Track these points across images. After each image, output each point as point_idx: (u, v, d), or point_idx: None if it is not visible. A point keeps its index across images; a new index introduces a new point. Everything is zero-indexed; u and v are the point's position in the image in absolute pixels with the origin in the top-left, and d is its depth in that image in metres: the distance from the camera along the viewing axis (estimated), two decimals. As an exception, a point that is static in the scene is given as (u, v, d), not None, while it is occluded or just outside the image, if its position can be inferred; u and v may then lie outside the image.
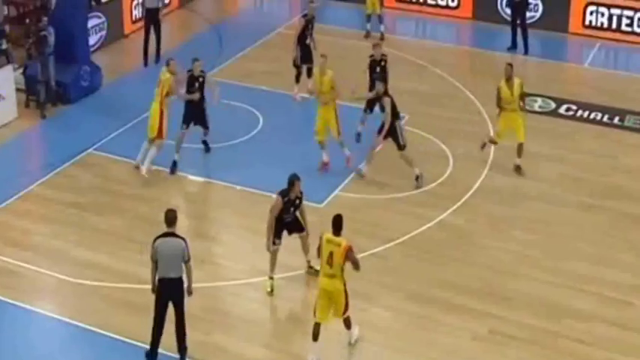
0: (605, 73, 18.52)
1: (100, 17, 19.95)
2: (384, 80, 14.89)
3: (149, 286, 10.66)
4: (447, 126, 16.35)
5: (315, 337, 10.64)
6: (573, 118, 16.92)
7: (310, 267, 12.26)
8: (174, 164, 14.79)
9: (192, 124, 14.85)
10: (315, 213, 13.56)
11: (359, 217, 13.68)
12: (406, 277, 12.37)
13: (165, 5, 19.49)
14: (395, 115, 14.33)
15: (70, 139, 15.82)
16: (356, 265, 10.65)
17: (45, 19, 16.97)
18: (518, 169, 14.83)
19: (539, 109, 16.54)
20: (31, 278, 12.31)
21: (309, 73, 17.16)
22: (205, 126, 15.04)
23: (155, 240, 10.29)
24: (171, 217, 10.28)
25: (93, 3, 20.08)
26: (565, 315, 11.64)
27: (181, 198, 14.42)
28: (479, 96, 17.60)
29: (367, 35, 20.25)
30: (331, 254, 10.43)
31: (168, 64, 14.65)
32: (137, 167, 14.73)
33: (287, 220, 11.94)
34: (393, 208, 13.98)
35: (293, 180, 11.69)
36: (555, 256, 12.82)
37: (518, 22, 19.86)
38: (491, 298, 11.93)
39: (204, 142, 15.33)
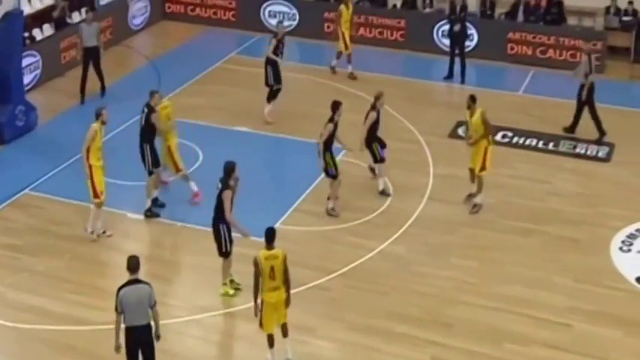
0: (539, 100, 18.93)
1: (34, 56, 19.78)
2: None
3: (89, 328, 10.49)
4: (388, 156, 16.48)
5: (272, 344, 10.99)
6: (509, 144, 17.25)
7: None
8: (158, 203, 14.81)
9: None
10: (257, 247, 13.51)
11: (300, 249, 13.69)
12: (348, 308, 12.41)
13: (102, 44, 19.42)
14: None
15: (4, 180, 15.58)
16: (287, 276, 10.92)
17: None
18: (473, 207, 14.82)
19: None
20: (-35, 324, 12.05)
21: (275, 95, 17.92)
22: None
23: (119, 290, 10.05)
24: (134, 264, 10.09)
25: (27, 41, 19.93)
26: (506, 339, 11.78)
27: (121, 237, 14.25)
28: (417, 125, 17.84)
29: (334, 71, 20.62)
30: (272, 268, 10.67)
31: (98, 115, 13.89)
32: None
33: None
34: (334, 239, 14.05)
35: (233, 165, 12.31)
36: (493, 281, 13.00)
37: (456, 51, 20.24)
38: (433, 326, 12.03)
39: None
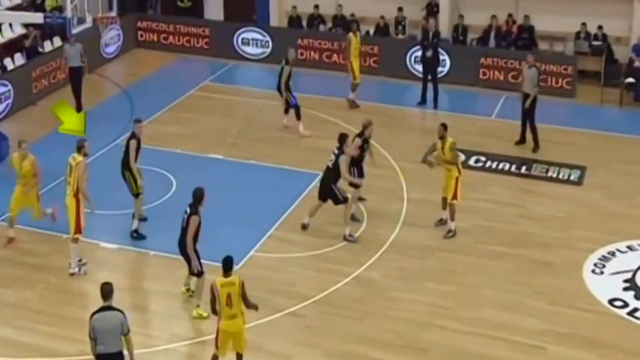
0: (511, 124, 19.10)
1: (6, 85, 19.69)
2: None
3: (60, 359, 10.34)
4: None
5: None
6: (482, 168, 17.36)
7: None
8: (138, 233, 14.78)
9: None
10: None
11: (275, 276, 13.69)
12: (323, 335, 12.37)
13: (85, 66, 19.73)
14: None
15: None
16: (247, 301, 10.86)
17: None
18: (448, 232, 14.89)
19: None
20: None
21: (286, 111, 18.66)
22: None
23: (92, 316, 9.99)
24: (107, 291, 10.04)
25: None
26: (480, 364, 11.80)
27: (95, 266, 14.10)
28: (391, 151, 17.92)
29: (349, 100, 20.40)
30: (229, 296, 10.61)
31: (80, 147, 13.65)
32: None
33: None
34: (309, 265, 14.03)
35: (202, 192, 12.36)
36: (468, 305, 13.02)
37: (429, 77, 20.40)
38: (409, 351, 12.02)
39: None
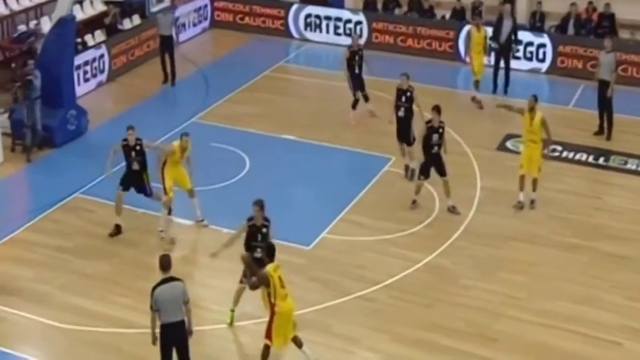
0: (589, 114, 18.70)
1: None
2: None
3: (135, 331, 10.57)
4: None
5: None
6: (559, 159, 17.05)
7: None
8: (118, 228, 14.33)
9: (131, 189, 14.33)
10: (302, 255, 13.60)
11: (345, 259, 13.72)
12: (392, 320, 12.36)
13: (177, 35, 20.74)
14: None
15: (55, 184, 15.81)
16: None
17: (31, 62, 17.07)
18: (532, 202, 15.07)
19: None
20: (15, 323, 12.23)
21: (366, 99, 18.17)
22: (146, 193, 14.36)
23: (154, 289, 10.23)
24: (166, 262, 10.30)
25: (80, 47, 20.25)
26: (552, 356, 11.64)
27: (167, 242, 14.35)
28: (464, 137, 17.75)
29: (474, 99, 19.54)
30: (280, 277, 10.78)
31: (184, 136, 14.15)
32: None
33: (255, 255, 11.64)
34: (380, 250, 14.01)
35: (254, 205, 11.72)
36: (541, 296, 12.85)
37: (501, 64, 20.11)
38: (478, 340, 11.93)
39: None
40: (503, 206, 15.21)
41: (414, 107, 16.03)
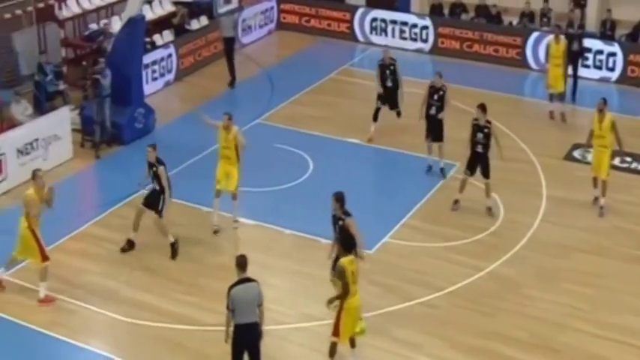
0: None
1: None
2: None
3: (198, 329, 10.68)
4: (499, 175, 16.24)
5: (333, 355, 10.99)
6: (627, 170, 16.74)
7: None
8: (131, 244, 13.94)
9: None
10: (365, 259, 13.56)
11: (407, 264, 13.68)
12: (453, 327, 12.28)
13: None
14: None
15: (123, 180, 16.07)
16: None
17: (101, 60, 17.40)
18: (600, 209, 15.06)
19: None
20: (83, 316, 12.49)
21: (398, 114, 17.81)
22: (159, 214, 13.81)
23: (230, 288, 10.28)
24: (242, 262, 10.35)
25: (148, 46, 20.57)
26: (617, 371, 11.45)
27: (231, 240, 14.51)
28: (530, 145, 17.54)
29: (552, 116, 18.95)
30: (353, 273, 10.75)
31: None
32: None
33: (336, 237, 11.79)
34: (443, 256, 13.93)
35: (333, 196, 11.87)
36: (606, 309, 12.62)
37: (570, 71, 19.83)
38: (540, 351, 11.77)
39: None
40: (569, 216, 15.01)
41: (445, 107, 16.13)
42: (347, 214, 11.90)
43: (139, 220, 13.84)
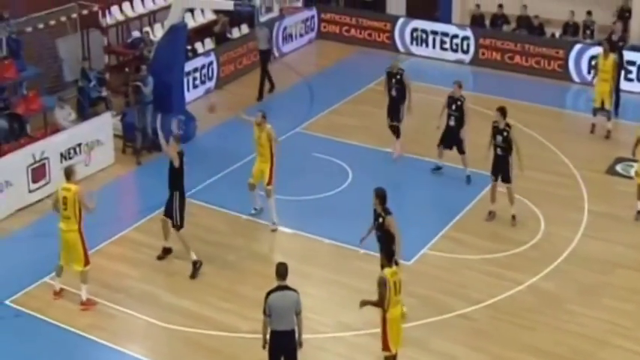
0: None
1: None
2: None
3: (235, 335, 10.68)
4: (540, 188, 16.15)
5: None
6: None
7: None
8: (167, 250, 13.97)
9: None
10: (403, 270, 13.46)
11: (447, 276, 13.59)
12: (493, 340, 12.16)
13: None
14: None
15: (163, 186, 16.00)
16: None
17: (143, 67, 17.56)
18: (637, 213, 15.16)
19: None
20: (122, 320, 12.58)
21: (395, 132, 17.36)
22: (173, 224, 13.62)
23: (268, 295, 10.27)
24: (283, 270, 10.32)
25: (190, 54, 20.73)
26: (659, 389, 11.24)
27: (270, 249, 14.54)
28: (572, 158, 17.36)
29: (592, 130, 18.54)
30: (395, 284, 10.70)
31: (70, 173, 12.59)
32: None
33: (377, 234, 12.19)
34: (482, 269, 13.81)
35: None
36: (650, 327, 12.44)
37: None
38: (581, 367, 11.64)
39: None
40: (611, 231, 14.80)
41: (465, 118, 16.11)
42: (387, 212, 12.04)
43: (167, 229, 13.80)
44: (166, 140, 13.75)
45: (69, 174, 12.65)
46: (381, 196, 12.03)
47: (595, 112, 18.71)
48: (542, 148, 17.92)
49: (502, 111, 14.95)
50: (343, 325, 12.45)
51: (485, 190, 15.99)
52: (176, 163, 13.42)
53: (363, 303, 10.89)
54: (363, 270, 13.30)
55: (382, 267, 11.51)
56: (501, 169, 14.95)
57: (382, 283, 10.69)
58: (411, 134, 18.22)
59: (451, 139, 16.39)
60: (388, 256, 11.15)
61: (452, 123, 16.29)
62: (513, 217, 15.01)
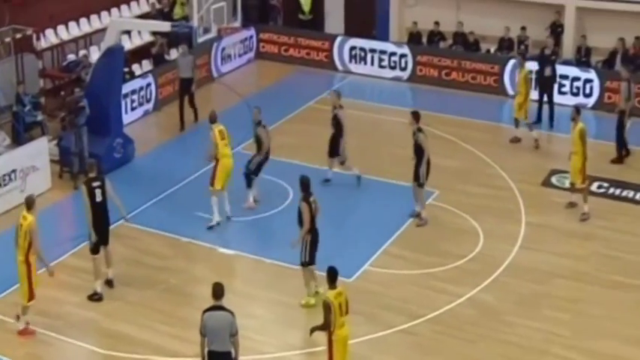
0: (637, 151, 18.50)
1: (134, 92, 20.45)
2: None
3: (175, 359, 10.57)
4: (478, 202, 16.38)
5: None
6: (605, 195, 16.85)
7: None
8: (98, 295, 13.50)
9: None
10: (344, 287, 13.52)
11: (388, 292, 13.67)
12: (435, 354, 12.27)
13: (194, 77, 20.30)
14: None
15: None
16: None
17: (77, 90, 17.37)
18: (571, 205, 16.00)
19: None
20: (61, 349, 12.38)
21: (342, 164, 17.34)
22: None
23: (204, 313, 10.30)
24: (218, 291, 10.36)
25: (127, 76, 20.57)
26: (597, 397, 11.45)
27: (211, 271, 14.43)
28: (509, 171, 17.65)
29: (514, 140, 19.10)
30: (340, 305, 10.76)
31: (31, 203, 12.37)
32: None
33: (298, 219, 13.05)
34: (423, 283, 13.93)
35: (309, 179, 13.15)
36: (586, 335, 12.65)
37: (545, 97, 20.04)
38: (522, 378, 11.79)
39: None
40: (547, 242, 15.08)
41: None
42: (303, 198, 12.91)
43: (108, 257, 13.70)
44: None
45: (29, 204, 12.48)
46: (301, 182, 13.01)
47: (517, 123, 19.13)
48: (479, 163, 18.19)
49: (413, 115, 15.44)
50: (288, 345, 12.45)
51: (426, 203, 16.16)
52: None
53: (312, 330, 10.92)
54: (305, 289, 13.30)
55: (304, 264, 12.76)
56: (414, 172, 15.46)
57: (327, 307, 10.72)
58: (353, 152, 18.29)
59: (331, 148, 16.88)
60: (330, 277, 11.11)
61: (332, 132, 16.78)
62: (418, 215, 15.57)
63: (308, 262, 13.05)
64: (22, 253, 12.25)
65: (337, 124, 16.77)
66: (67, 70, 20.58)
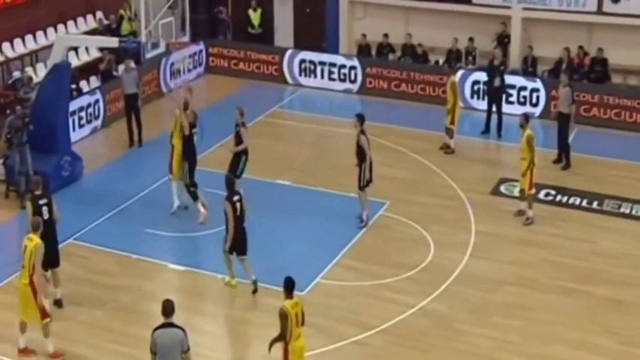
0: (583, 158, 18.83)
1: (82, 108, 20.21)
2: None
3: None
4: (428, 212, 16.50)
5: None
6: (552, 202, 17.09)
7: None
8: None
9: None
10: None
11: (340, 304, 13.68)
12: (388, 365, 12.30)
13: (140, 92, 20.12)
14: None
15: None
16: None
17: (19, 108, 17.13)
18: (520, 212, 16.28)
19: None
20: (7, 372, 12.14)
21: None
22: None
23: (154, 331, 10.18)
24: (168, 308, 10.23)
25: (75, 93, 20.35)
26: (548, 402, 11.57)
27: (163, 287, 14.30)
28: (457, 181, 17.81)
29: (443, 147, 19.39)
30: (297, 315, 10.79)
31: (38, 226, 12.32)
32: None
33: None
34: (375, 294, 13.96)
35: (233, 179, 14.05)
36: (536, 341, 12.79)
37: (493, 107, 20.31)
38: (474, 386, 11.87)
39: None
40: (497, 250, 15.25)
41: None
42: (227, 197, 13.63)
43: (55, 278, 13.54)
44: None
45: (36, 227, 12.32)
46: (226, 182, 13.85)
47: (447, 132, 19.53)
48: (429, 173, 18.34)
49: (358, 117, 15.71)
50: (243, 358, 12.37)
51: (376, 216, 16.25)
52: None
53: (271, 344, 10.86)
54: (257, 304, 13.28)
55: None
56: (358, 178, 15.70)
57: (283, 316, 10.69)
58: (304, 165, 18.37)
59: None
60: (287, 287, 11.06)
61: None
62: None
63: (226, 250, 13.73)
64: (26, 275, 12.07)
65: (238, 142, 16.60)
66: (12, 87, 20.26)
